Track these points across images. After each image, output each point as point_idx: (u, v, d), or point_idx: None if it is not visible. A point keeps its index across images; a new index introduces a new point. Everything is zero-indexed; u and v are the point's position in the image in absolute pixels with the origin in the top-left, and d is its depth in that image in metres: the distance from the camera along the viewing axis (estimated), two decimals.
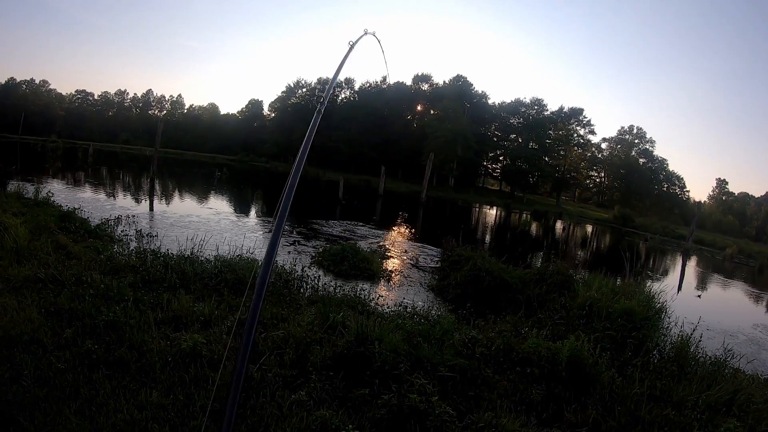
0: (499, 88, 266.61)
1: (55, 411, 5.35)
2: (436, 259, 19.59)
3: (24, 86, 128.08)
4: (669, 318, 12.08)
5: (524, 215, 52.10)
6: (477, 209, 64.17)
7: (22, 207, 16.89)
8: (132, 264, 11.35)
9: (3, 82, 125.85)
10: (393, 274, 16.36)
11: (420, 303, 12.78)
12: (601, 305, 11.14)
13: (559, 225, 52.27)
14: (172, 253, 12.83)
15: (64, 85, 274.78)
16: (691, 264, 39.23)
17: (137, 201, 29.63)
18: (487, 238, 35.29)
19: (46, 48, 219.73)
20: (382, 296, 12.98)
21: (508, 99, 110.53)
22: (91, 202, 25.21)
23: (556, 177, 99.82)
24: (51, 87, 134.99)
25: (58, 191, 25.00)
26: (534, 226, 45.30)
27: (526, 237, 37.05)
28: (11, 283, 9.13)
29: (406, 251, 22.10)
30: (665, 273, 31.55)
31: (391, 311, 10.92)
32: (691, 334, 10.08)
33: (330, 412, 5.72)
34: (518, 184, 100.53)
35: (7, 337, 6.67)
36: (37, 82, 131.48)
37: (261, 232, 22.31)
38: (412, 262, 19.39)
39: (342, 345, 7.34)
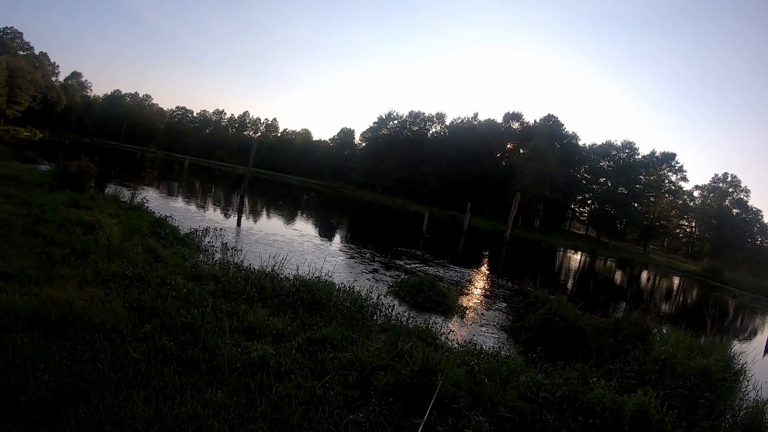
0: (589, 130, 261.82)
1: (125, 395, 5.88)
2: (513, 299, 19.43)
3: (128, 98, 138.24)
4: (748, 381, 11.46)
5: (608, 262, 50.14)
6: (561, 252, 62.49)
7: (117, 209, 18.31)
8: (215, 273, 12.17)
9: (109, 93, 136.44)
10: (468, 311, 16.40)
11: (490, 342, 12.99)
12: (675, 361, 10.85)
13: (644, 275, 49.99)
14: (253, 268, 13.61)
15: (166, 100, 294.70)
16: None
17: (226, 215, 31.12)
18: (569, 283, 34.39)
19: (151, 65, 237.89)
20: (453, 331, 13.10)
21: (599, 141, 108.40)
22: (182, 211, 26.81)
23: (644, 224, 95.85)
24: (153, 101, 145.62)
25: (153, 198, 26.85)
26: (618, 275, 43.59)
27: (609, 285, 35.72)
28: (101, 276, 10.02)
29: (484, 289, 22.06)
30: (752, 333, 29.43)
31: (460, 347, 11.08)
32: None
33: None
34: (605, 229, 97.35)
35: (91, 323, 7.36)
36: (140, 95, 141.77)
37: (342, 258, 22.89)
38: (488, 300, 19.32)
39: (406, 373, 7.54)
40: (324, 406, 6.63)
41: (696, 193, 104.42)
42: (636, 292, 35.87)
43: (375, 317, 12.30)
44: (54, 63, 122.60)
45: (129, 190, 24.83)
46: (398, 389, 7.26)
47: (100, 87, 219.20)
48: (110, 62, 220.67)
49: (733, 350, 12.66)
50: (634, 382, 9.97)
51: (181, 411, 5.80)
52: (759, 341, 26.08)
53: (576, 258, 58.62)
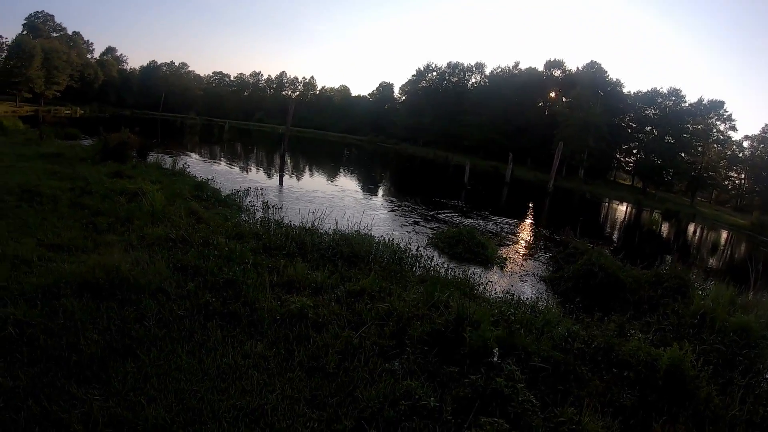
0: (633, 76, 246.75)
1: (169, 349, 6.26)
2: (554, 250, 19.26)
3: (165, 68, 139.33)
4: None
5: (654, 214, 48.77)
6: (606, 203, 61.09)
7: (160, 176, 18.85)
8: (256, 231, 12.54)
9: (145, 64, 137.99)
10: (507, 262, 16.37)
11: (529, 292, 12.96)
12: (714, 316, 10.52)
13: (690, 227, 48.47)
14: (294, 224, 13.98)
15: (202, 67, 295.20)
16: None
17: (267, 175, 31.58)
18: (614, 234, 33.69)
19: (185, 34, 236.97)
20: (491, 282, 13.12)
21: (644, 88, 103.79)
22: (224, 174, 27.32)
23: (691, 175, 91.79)
24: (190, 69, 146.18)
25: (194, 163, 27.48)
26: (664, 227, 42.35)
27: (654, 237, 34.73)
28: (145, 240, 10.46)
29: (525, 240, 21.90)
30: None
31: (498, 297, 11.10)
32: None
33: (416, 383, 6.10)
34: (651, 180, 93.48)
35: (137, 284, 7.76)
36: (176, 64, 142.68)
37: (383, 211, 23.10)
38: (529, 251, 19.22)
39: (440, 323, 7.69)
40: (360, 355, 6.89)
41: (746, 144, 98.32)
42: (681, 244, 34.86)
43: (414, 269, 12.44)
44: (88, 41, 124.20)
45: (171, 157, 25.28)
46: (433, 338, 7.41)
47: (135, 60, 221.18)
48: (143, 35, 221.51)
49: None
50: (671, 335, 9.76)
51: (222, 362, 6.14)
52: None
53: (621, 209, 57.28)
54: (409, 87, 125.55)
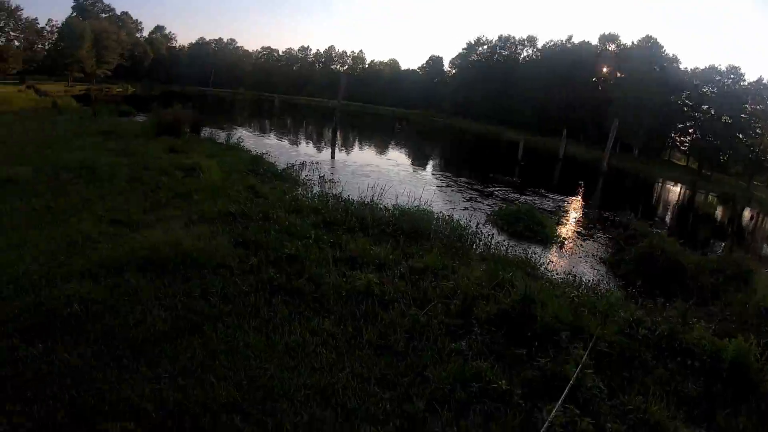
0: (689, 51, 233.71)
1: (236, 325, 6.19)
2: (612, 231, 18.70)
3: (213, 44, 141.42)
4: None
5: (709, 197, 46.77)
6: (660, 184, 59.17)
7: (215, 151, 19.00)
8: (315, 206, 12.48)
9: (193, 41, 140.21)
10: (566, 241, 16.09)
11: (589, 274, 12.73)
12: None
13: (746, 213, 46.29)
14: (352, 199, 13.91)
15: (251, 42, 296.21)
16: None
17: (319, 149, 31.75)
18: (667, 217, 32.55)
19: (233, 9, 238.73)
20: (552, 261, 12.99)
21: (701, 65, 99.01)
22: (277, 148, 27.48)
23: (749, 158, 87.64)
24: (238, 45, 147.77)
25: (247, 137, 27.60)
26: (719, 211, 40.62)
27: (709, 221, 33.39)
28: (205, 215, 10.48)
29: (582, 220, 21.40)
30: None
31: (560, 278, 10.89)
32: None
33: (486, 365, 5.97)
34: (707, 161, 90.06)
35: (200, 260, 7.75)
36: (225, 40, 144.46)
37: (438, 186, 22.86)
38: (586, 231, 18.76)
39: (507, 303, 7.51)
40: (427, 334, 6.74)
41: None
42: (737, 230, 33.40)
43: (474, 246, 12.29)
44: (136, 20, 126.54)
45: (224, 132, 25.60)
46: (500, 319, 7.27)
47: (184, 37, 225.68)
48: (191, 13, 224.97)
49: None
50: (734, 326, 9.38)
51: (290, 339, 6.05)
52: None
53: (675, 190, 55.46)
54: (460, 60, 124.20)
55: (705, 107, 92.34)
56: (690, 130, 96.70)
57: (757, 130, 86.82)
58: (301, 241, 9.33)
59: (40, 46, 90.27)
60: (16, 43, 78.85)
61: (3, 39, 75.59)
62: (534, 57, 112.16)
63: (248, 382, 5.17)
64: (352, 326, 6.66)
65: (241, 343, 5.80)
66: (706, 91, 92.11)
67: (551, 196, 26.24)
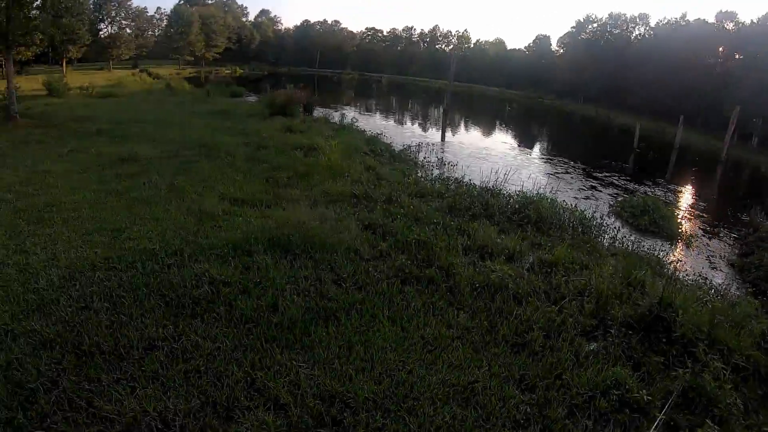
0: None
1: (370, 314, 5.98)
2: (738, 230, 17.35)
3: (318, 26, 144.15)
4: None
5: None
6: None
7: (330, 130, 19.05)
8: (437, 190, 12.18)
9: (299, 24, 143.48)
10: (692, 239, 14.96)
11: (718, 277, 11.88)
12: None
13: None
14: (474, 183, 13.53)
15: (355, 23, 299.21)
16: None
17: (432, 130, 31.29)
18: None
19: None
20: (679, 260, 12.09)
21: None
22: (389, 128, 27.39)
23: None
24: (342, 26, 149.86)
25: (358, 117, 27.52)
26: None
27: None
28: (328, 196, 10.40)
29: (704, 215, 19.93)
30: None
31: (690, 280, 10.19)
32: None
33: (625, 372, 5.64)
34: None
35: (328, 242, 7.59)
36: (329, 22, 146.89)
37: (557, 173, 21.96)
38: (711, 228, 17.42)
39: (643, 306, 7.07)
40: (563, 333, 6.37)
41: None
42: None
43: (601, 239, 11.70)
44: (242, 5, 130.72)
45: (336, 112, 25.74)
46: (635, 321, 6.86)
47: (289, 20, 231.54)
48: None
49: None
50: None
51: (425, 331, 5.79)
52: None
53: None
54: (568, 39, 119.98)
55: None
56: None
57: None
58: (428, 226, 9.07)
59: (150, 33, 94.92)
60: (128, 31, 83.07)
61: (116, 27, 79.88)
62: (647, 36, 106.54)
63: (387, 377, 4.94)
64: (487, 321, 6.36)
65: (377, 334, 5.58)
66: None
67: (670, 186, 24.88)
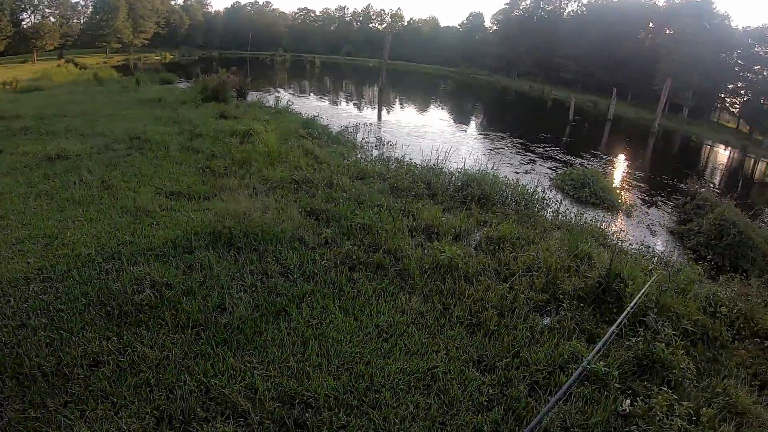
0: (741, 8, 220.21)
1: (322, 306, 5.78)
2: (674, 199, 17.97)
3: (249, 8, 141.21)
4: None
5: (765, 165, 44.17)
6: (709, 147, 56.98)
7: (265, 115, 18.55)
8: (378, 171, 11.98)
9: (229, 6, 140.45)
10: (632, 209, 15.43)
11: (659, 245, 12.39)
12: None
13: None
14: (415, 162, 13.42)
15: (286, 4, 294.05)
16: None
17: (369, 110, 31.00)
18: (719, 182, 31.14)
19: None
20: (621, 230, 12.50)
21: (754, 23, 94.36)
22: (325, 110, 26.98)
23: None
24: (274, 7, 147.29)
25: (293, 100, 26.94)
26: None
27: (765, 190, 31.48)
28: (267, 183, 10.05)
29: (643, 184, 20.47)
30: None
31: (633, 249, 10.48)
32: None
33: (581, 346, 5.71)
34: (760, 124, 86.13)
35: (271, 233, 7.31)
36: (260, 3, 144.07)
37: (497, 148, 22.02)
38: (649, 198, 17.93)
39: (593, 278, 7.16)
40: (517, 310, 6.37)
41: None
42: None
43: (544, 213, 11.81)
44: None
45: (270, 95, 25.17)
46: (586, 294, 6.96)
47: (219, 2, 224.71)
48: None
49: None
50: None
51: (380, 320, 5.64)
52: None
53: (725, 154, 52.99)
54: (501, 16, 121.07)
55: (757, 67, 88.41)
56: (741, 92, 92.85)
57: None
58: (372, 209, 8.87)
59: (75, 20, 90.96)
60: (52, 20, 79.34)
61: (39, 16, 76.19)
62: (579, 12, 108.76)
63: (345, 370, 4.79)
64: (440, 303, 6.26)
65: (331, 327, 5.40)
66: (759, 51, 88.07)
67: (606, 158, 25.48)
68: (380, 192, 10.17)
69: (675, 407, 5.00)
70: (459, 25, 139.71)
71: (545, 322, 6.34)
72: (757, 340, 7.14)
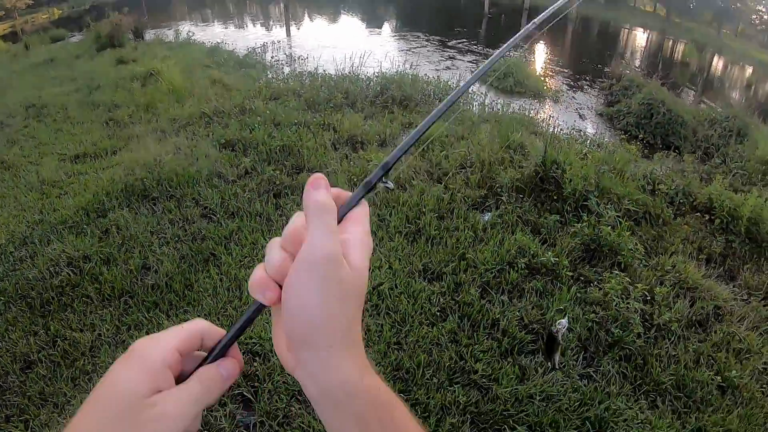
0: None
1: (251, 241, 5.43)
2: (599, 82, 17.80)
3: None
4: None
5: (679, 44, 44.87)
6: (627, 31, 57.54)
7: (167, 51, 17.30)
8: (292, 88, 11.30)
9: None
10: (558, 94, 15.21)
11: (590, 128, 12.38)
12: None
13: (717, 61, 44.63)
14: (329, 73, 12.78)
15: None
16: None
17: (276, 28, 29.46)
18: (640, 64, 31.53)
19: None
20: (552, 117, 12.26)
21: None
22: (230, 35, 25.17)
23: (719, 4, 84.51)
24: None
25: (195, 31, 25.40)
26: (692, 60, 39.20)
27: (686, 69, 32.00)
28: (177, 122, 9.32)
29: (567, 70, 20.24)
30: None
31: (565, 135, 10.37)
32: None
33: (526, 238, 5.59)
34: (675, 7, 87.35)
35: (187, 174, 6.76)
36: None
37: (413, 48, 21.19)
38: (574, 83, 17.77)
39: (530, 167, 7.03)
40: (455, 210, 6.17)
41: None
42: (716, 80, 32.03)
43: (470, 107, 11.46)
44: None
45: (170, 30, 23.62)
46: (524, 184, 6.84)
47: None
48: None
49: None
50: (740, 180, 9.35)
51: None
52: None
53: (644, 37, 53.34)
54: None
55: None
56: None
57: None
58: (290, 129, 8.37)
59: None
60: None
61: None
62: None
63: None
64: (375, 215, 5.93)
65: None
66: None
67: (526, 47, 24.97)
68: (296, 109, 9.60)
69: (629, 290, 5.00)
70: None
71: (486, 218, 6.15)
72: (698, 214, 7.25)
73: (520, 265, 5.15)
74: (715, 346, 4.77)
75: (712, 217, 7.22)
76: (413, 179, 6.87)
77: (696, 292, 5.38)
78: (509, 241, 5.52)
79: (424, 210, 6.06)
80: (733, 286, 5.87)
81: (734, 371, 4.44)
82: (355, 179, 6.69)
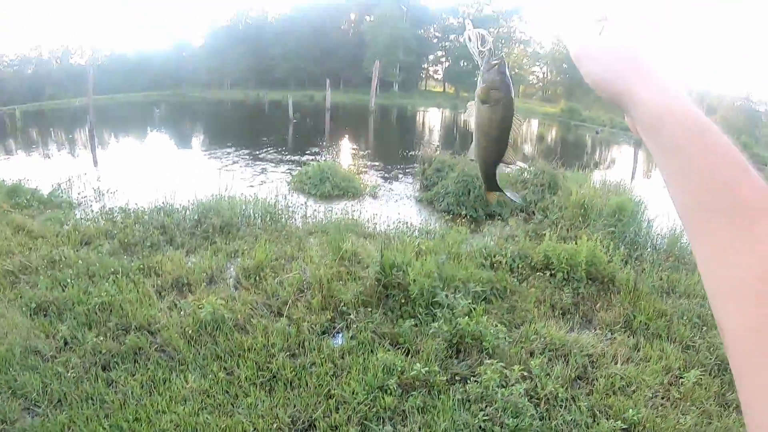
0: None
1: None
2: (413, 168, 18.70)
3: None
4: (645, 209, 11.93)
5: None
6: (423, 112, 63.04)
7: None
8: (103, 229, 10.09)
9: None
10: (376, 190, 15.56)
11: (415, 217, 12.55)
12: (595, 203, 11.25)
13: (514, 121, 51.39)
14: (141, 207, 11.73)
15: None
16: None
17: (81, 156, 27.54)
18: (438, 138, 34.55)
19: None
20: (376, 214, 12.23)
21: (448, 2, 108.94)
22: (33, 167, 23.05)
23: None
24: None
25: None
26: None
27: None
28: None
29: (377, 163, 21.26)
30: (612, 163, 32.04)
31: (392, 230, 10.55)
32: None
33: (388, 354, 5.34)
34: (462, 84, 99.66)
35: None
36: None
37: (225, 166, 20.70)
38: (388, 174, 18.65)
39: (371, 278, 6.88)
40: (306, 343, 5.79)
41: (545, 41, 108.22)
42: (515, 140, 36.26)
43: (293, 221, 11.35)
44: None
45: None
46: (369, 297, 6.65)
47: None
48: None
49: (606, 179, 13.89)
50: (566, 229, 10.10)
51: (162, 422, 4.58)
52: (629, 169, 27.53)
53: (439, 115, 58.83)
54: (208, 30, 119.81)
55: (453, 36, 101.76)
56: (442, 60, 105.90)
57: (505, 50, 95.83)
58: (107, 280, 7.34)
59: None
60: None
61: None
62: (284, 15, 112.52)
63: None
64: (221, 370, 5.33)
65: None
66: (453, 23, 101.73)
67: (333, 146, 25.86)
68: (111, 254, 8.63)
69: (507, 374, 4.91)
70: (169, 45, 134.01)
71: (337, 342, 5.87)
72: (539, 273, 7.61)
73: (392, 387, 4.88)
74: (603, 393, 4.86)
75: (553, 272, 7.56)
76: (252, 318, 6.35)
77: (565, 348, 5.51)
78: (372, 363, 5.21)
79: (272, 351, 5.58)
80: (594, 329, 6.12)
81: (630, 410, 4.51)
82: (190, 332, 5.98)
